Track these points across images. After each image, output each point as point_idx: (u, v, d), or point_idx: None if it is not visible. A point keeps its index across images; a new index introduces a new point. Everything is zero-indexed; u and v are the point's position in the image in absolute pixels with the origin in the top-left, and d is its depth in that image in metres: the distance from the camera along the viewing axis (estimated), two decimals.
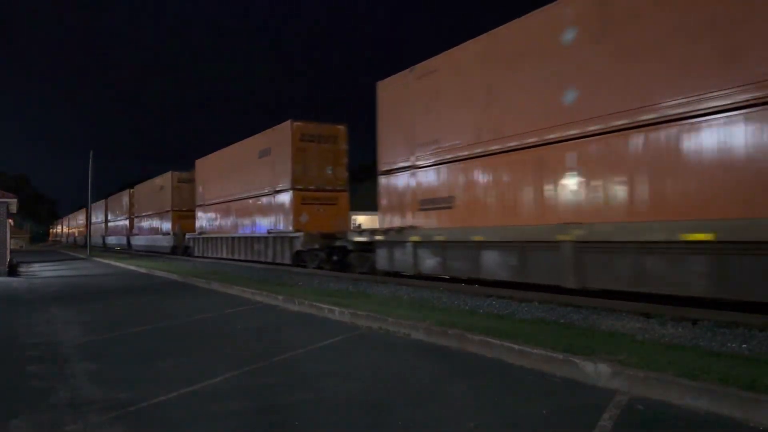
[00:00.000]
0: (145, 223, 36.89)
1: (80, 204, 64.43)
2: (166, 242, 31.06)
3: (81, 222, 60.51)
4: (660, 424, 3.81)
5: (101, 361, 5.98)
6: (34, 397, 4.71)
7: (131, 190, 41.26)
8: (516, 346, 5.49)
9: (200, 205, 26.92)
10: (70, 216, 77.94)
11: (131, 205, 41.04)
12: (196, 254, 26.81)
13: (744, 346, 5.39)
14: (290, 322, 8.32)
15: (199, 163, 27.74)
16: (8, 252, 19.86)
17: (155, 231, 34.02)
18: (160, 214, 32.99)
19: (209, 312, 9.41)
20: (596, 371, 4.71)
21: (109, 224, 49.70)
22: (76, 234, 66.85)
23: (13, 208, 20.14)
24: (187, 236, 28.04)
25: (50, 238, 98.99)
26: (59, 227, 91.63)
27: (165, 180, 32.34)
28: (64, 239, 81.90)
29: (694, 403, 4.03)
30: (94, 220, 48.65)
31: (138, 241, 38.25)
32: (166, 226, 31.49)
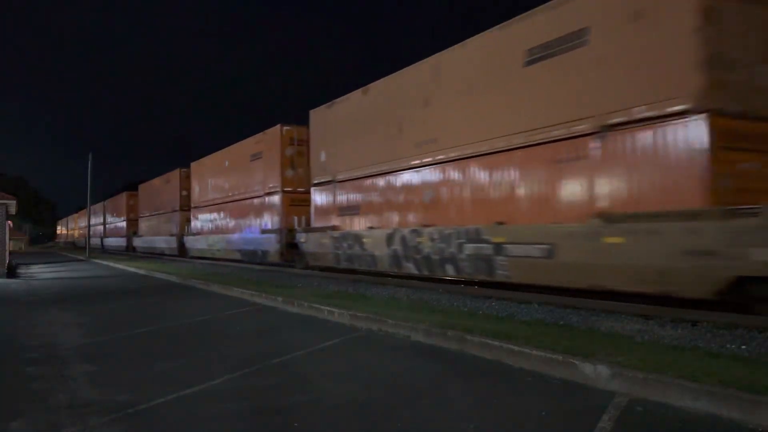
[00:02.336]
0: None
1: (89, 204, 60.15)
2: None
3: (106, 221, 54.13)
4: (659, 426, 3.80)
5: (100, 363, 5.97)
6: (33, 399, 4.71)
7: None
8: (515, 348, 5.49)
9: None
10: (85, 214, 68.94)
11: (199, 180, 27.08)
12: None
13: (743, 347, 5.39)
14: (290, 323, 8.32)
15: None
16: (7, 254, 19.85)
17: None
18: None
19: (208, 314, 9.40)
20: (595, 373, 4.71)
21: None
22: (102, 233, 53.60)
23: (12, 210, 20.14)
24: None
25: (56, 239, 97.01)
26: (66, 228, 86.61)
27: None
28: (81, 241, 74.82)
29: (694, 404, 4.03)
30: (145, 213, 36.49)
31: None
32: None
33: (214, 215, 24.88)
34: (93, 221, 52.08)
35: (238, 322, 8.52)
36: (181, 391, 4.81)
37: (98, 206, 54.40)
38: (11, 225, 25.31)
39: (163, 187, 33.51)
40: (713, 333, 6.07)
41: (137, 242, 38.35)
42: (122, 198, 44.50)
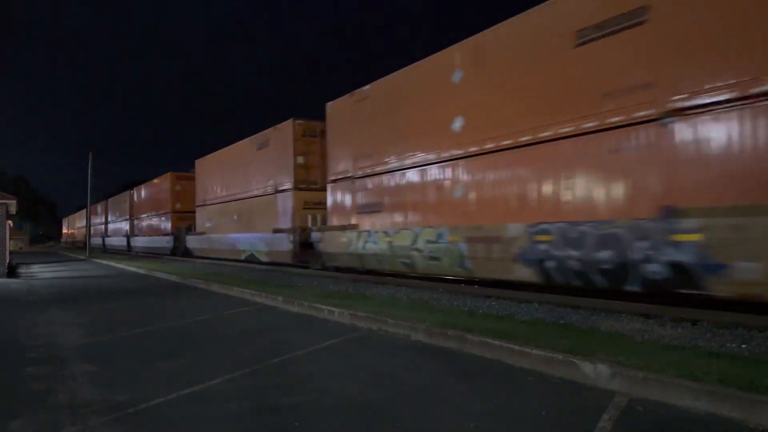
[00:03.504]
0: None
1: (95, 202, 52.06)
2: None
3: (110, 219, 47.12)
4: (659, 426, 3.80)
5: (100, 363, 5.97)
6: (33, 399, 4.71)
7: None
8: (516, 347, 5.50)
9: None
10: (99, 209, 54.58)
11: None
12: None
13: (744, 346, 5.39)
14: (290, 323, 8.32)
15: None
16: (8, 253, 19.86)
17: None
18: None
19: (209, 313, 9.41)
20: (596, 372, 4.71)
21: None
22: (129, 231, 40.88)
23: (13, 210, 20.14)
24: None
25: (62, 239, 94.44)
26: (74, 227, 78.39)
27: None
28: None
29: (694, 404, 4.04)
30: (211, 199, 24.37)
31: None
32: None
33: (425, 189, 11.68)
34: (112, 217, 48.87)
35: (239, 322, 8.52)
36: (181, 390, 4.81)
37: (120, 197, 43.95)
38: (11, 225, 25.32)
39: (250, 156, 20.37)
40: (713, 332, 6.07)
41: (196, 242, 25.64)
42: (165, 182, 31.17)
